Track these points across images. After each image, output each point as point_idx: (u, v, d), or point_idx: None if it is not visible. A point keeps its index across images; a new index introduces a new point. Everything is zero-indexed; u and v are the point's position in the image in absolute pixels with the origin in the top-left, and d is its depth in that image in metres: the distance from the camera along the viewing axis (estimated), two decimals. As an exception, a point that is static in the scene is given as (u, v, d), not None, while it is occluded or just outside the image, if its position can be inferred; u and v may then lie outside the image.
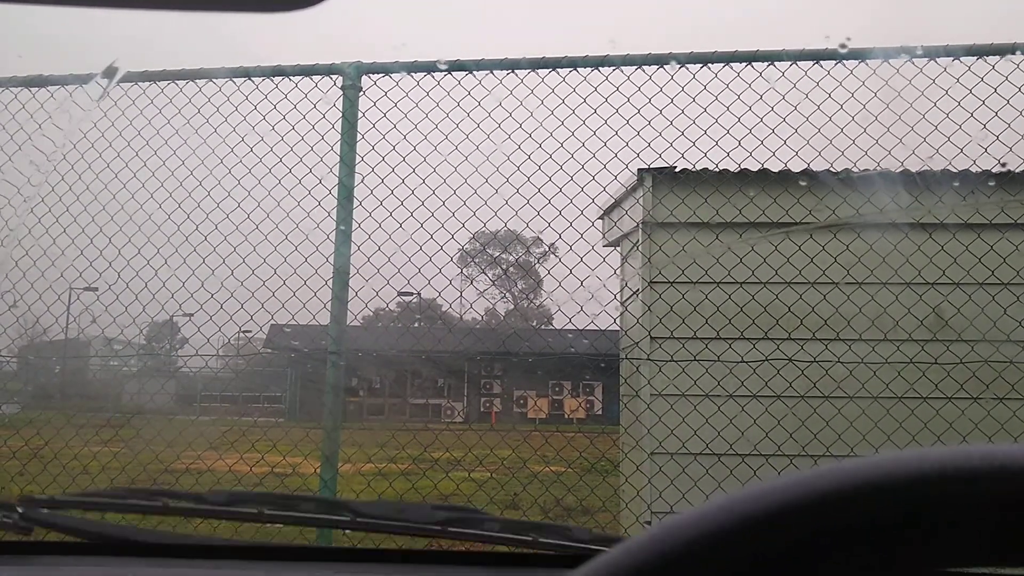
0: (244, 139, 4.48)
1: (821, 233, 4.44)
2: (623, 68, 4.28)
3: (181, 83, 4.59)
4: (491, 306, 31.61)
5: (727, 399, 4.40)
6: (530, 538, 1.16)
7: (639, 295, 4.61)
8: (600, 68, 4.30)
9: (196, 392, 29.18)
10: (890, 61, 4.16)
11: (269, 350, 29.28)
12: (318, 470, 4.33)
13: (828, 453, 4.33)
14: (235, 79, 4.51)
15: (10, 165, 4.71)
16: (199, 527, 3.36)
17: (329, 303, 4.34)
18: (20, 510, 1.24)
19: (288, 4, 0.55)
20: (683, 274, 4.49)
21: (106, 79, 4.29)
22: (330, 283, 4.35)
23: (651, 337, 4.51)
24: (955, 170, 4.17)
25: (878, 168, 4.20)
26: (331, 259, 4.36)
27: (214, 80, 4.51)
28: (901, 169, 4.21)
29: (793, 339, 4.43)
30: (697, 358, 4.44)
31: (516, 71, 4.37)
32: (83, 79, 4.63)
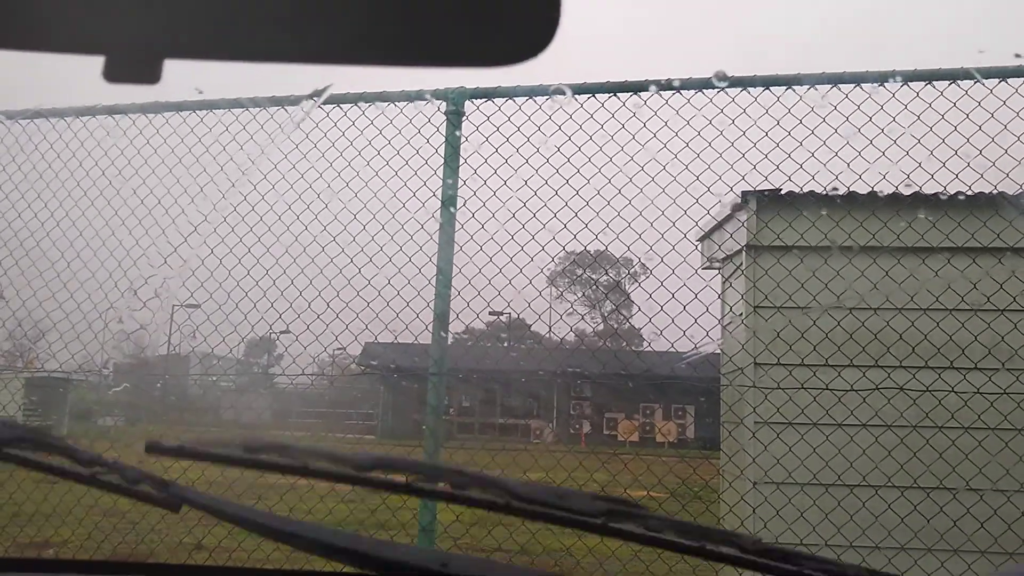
0: (351, 163, 4.57)
1: (934, 258, 4.30)
2: (728, 90, 4.23)
3: (291, 108, 4.71)
4: (587, 327, 31.54)
5: (835, 428, 4.28)
6: (697, 544, 1.05)
7: (744, 320, 4.53)
8: (704, 90, 4.26)
9: (292, 407, 29.84)
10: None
11: (363, 367, 29.75)
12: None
13: (941, 486, 4.17)
14: (342, 104, 4.61)
15: (128, 188, 4.91)
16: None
17: (431, 324, 4.37)
18: (169, 488, 1.22)
19: (507, 58, 0.55)
20: (790, 299, 4.39)
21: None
22: (431, 304, 4.38)
23: (756, 364, 4.42)
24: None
25: (995, 190, 4.05)
26: (433, 281, 4.40)
27: (322, 107, 4.62)
28: (1020, 191, 4.06)
29: (904, 367, 4.28)
30: (804, 386, 4.33)
31: (619, 94, 4.36)
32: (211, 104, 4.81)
